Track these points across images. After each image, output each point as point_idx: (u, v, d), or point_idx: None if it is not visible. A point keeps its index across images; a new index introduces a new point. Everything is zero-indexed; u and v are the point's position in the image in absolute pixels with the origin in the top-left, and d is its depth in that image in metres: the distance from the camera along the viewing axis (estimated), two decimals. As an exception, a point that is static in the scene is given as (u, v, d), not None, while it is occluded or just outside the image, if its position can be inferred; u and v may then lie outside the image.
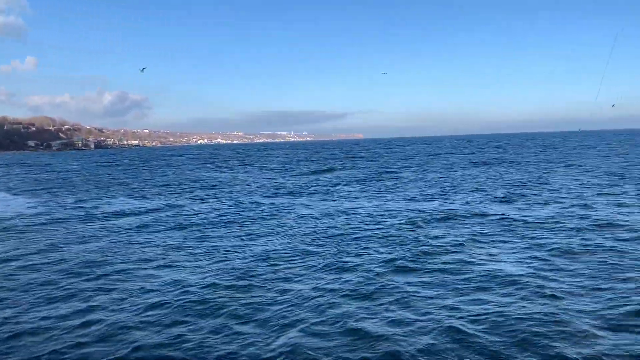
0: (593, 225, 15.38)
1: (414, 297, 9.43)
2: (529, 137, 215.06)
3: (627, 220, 15.79)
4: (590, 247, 12.68)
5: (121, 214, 21.68)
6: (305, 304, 9.23)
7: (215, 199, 26.15)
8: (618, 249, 12.35)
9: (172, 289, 10.50)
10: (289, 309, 9.04)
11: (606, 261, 11.36)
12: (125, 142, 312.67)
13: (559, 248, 12.71)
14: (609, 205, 19.21)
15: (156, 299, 9.80)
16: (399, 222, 17.19)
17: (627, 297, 8.99)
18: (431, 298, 9.38)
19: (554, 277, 10.34)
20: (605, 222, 15.73)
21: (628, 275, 10.28)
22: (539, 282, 9.99)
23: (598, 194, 22.66)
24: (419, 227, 16.24)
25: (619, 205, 19.23)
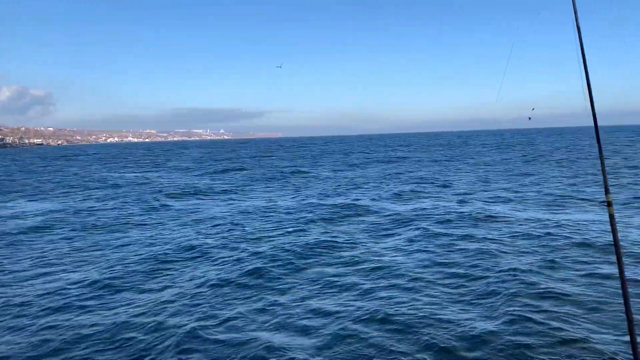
0: (480, 217, 16.65)
1: (315, 295, 9.86)
2: (442, 135, 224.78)
3: (510, 213, 17.26)
4: (475, 239, 13.74)
5: (19, 217, 20.56)
6: (201, 307, 9.33)
7: (122, 200, 25.41)
8: (498, 240, 13.50)
9: (73, 291, 10.28)
10: (184, 311, 9.13)
11: (482, 250, 12.40)
12: (26, 141, 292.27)
13: (448, 239, 13.69)
14: (494, 199, 20.85)
15: (56, 303, 9.60)
16: (304, 219, 17.72)
17: (502, 283, 9.91)
18: (328, 295, 9.85)
19: (440, 269, 11.16)
20: (489, 215, 17.07)
21: (502, 262, 11.28)
22: (426, 273, 10.80)
23: (487, 190, 24.47)
24: (324, 223, 16.84)
25: (505, 200, 20.93)
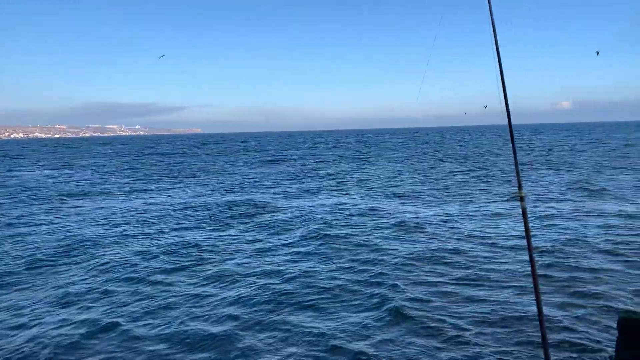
0: (384, 212, 17.23)
1: (211, 294, 9.79)
2: (363, 133, 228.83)
3: (415, 208, 18.10)
4: (377, 233, 14.23)
5: None
6: (91, 310, 9.06)
7: (23, 200, 23.96)
8: (398, 234, 14.09)
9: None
10: (71, 314, 8.86)
11: (381, 244, 12.90)
12: None
13: (347, 233, 14.03)
14: (402, 195, 21.76)
15: None
16: (213, 217, 17.68)
17: (396, 272, 10.39)
18: (225, 294, 9.78)
19: (335, 262, 11.46)
20: (394, 210, 17.76)
21: (396, 255, 11.77)
22: (320, 267, 11.06)
23: (396, 185, 25.48)
24: (230, 221, 16.88)
25: (413, 195, 21.89)
